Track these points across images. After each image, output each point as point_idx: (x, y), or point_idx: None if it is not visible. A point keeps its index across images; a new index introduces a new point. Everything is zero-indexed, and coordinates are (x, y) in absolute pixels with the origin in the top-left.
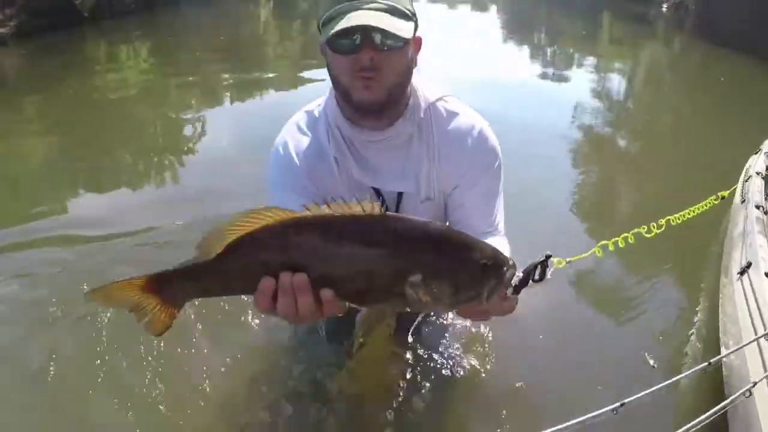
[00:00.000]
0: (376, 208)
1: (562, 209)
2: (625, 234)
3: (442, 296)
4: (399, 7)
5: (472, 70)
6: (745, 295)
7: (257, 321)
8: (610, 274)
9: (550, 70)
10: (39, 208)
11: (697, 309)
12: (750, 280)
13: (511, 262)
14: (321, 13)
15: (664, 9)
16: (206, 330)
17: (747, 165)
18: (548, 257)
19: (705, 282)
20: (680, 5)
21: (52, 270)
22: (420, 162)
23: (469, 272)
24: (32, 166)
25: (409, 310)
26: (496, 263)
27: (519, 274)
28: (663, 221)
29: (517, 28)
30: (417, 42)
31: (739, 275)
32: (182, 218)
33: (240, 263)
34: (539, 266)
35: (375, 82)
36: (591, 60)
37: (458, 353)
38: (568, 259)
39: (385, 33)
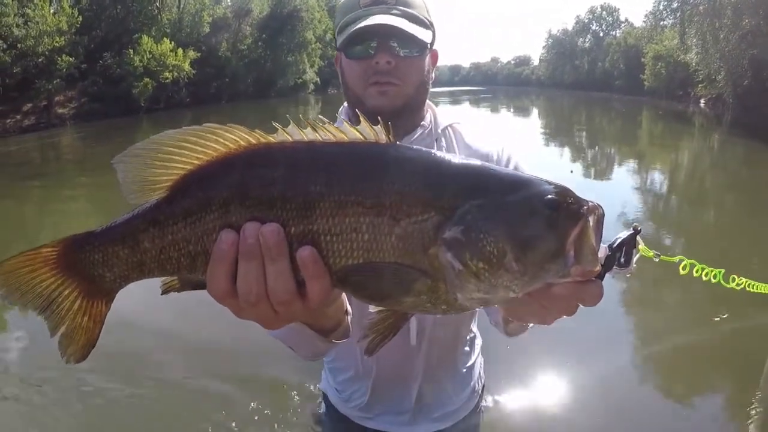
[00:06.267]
0: (382, 135)
1: None
2: (714, 269)
3: (501, 258)
4: (417, 14)
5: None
6: None
7: None
8: None
9: (590, 171)
10: None
11: None
12: None
13: (591, 202)
14: (336, 22)
15: (702, 104)
16: None
17: None
18: (638, 231)
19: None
20: (718, 99)
21: None
22: None
23: (536, 213)
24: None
25: (445, 308)
26: (571, 197)
27: (604, 246)
28: (745, 282)
29: (558, 130)
30: (434, 56)
31: None
32: None
33: (186, 211)
34: (625, 245)
35: (392, 88)
36: (632, 161)
37: None
38: (656, 252)
39: (403, 37)
